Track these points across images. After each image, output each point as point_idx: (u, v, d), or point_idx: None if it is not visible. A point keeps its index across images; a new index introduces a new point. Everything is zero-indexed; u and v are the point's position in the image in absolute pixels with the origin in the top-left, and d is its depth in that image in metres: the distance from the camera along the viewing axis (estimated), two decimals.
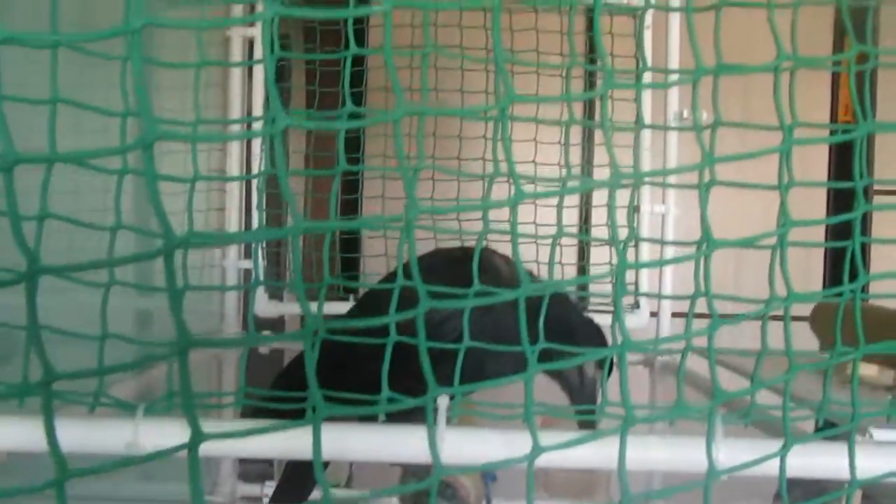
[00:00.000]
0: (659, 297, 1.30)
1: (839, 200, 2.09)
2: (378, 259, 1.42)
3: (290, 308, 1.34)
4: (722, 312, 0.40)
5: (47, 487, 0.25)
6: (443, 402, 0.53)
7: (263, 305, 1.28)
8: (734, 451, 0.44)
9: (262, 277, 1.28)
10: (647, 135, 1.33)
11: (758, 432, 0.73)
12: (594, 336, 0.81)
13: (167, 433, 0.48)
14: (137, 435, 0.48)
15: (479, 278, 0.57)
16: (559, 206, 0.60)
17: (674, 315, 1.32)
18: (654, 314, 1.34)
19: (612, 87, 0.30)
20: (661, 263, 0.43)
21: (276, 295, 1.32)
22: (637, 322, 1.33)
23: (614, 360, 0.58)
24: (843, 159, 2.09)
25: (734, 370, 1.04)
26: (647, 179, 1.27)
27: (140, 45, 0.26)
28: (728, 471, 0.39)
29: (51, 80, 0.41)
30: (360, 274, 1.53)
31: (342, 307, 1.35)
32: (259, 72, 1.25)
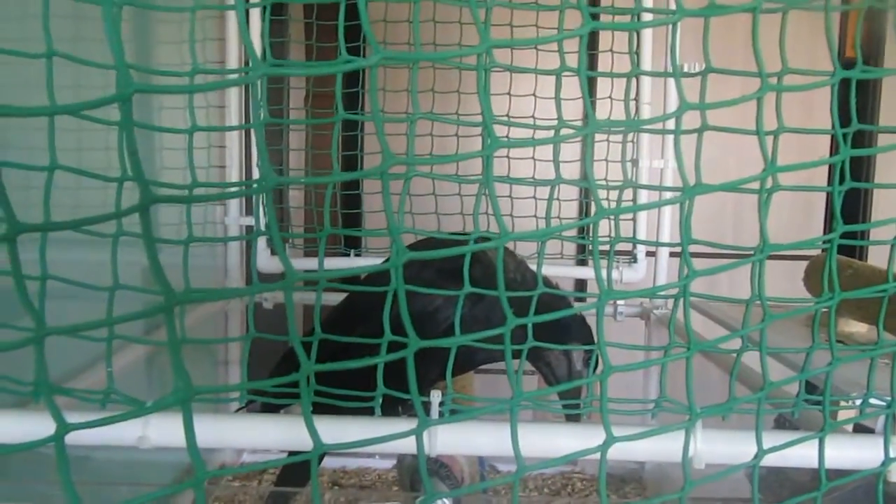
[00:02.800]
0: (658, 244, 1.31)
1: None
2: (379, 215, 1.43)
3: (293, 263, 1.36)
4: (716, 254, 0.41)
5: None
6: (435, 397, 0.55)
7: (265, 260, 1.30)
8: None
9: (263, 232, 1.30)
10: (647, 90, 1.33)
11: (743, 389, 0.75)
12: (587, 335, 0.83)
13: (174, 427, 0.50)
14: (147, 428, 0.51)
15: (472, 268, 0.56)
16: (556, 160, 0.60)
17: (672, 255, 1.33)
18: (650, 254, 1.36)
19: (613, 25, 0.30)
20: (635, 209, 0.44)
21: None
22: (635, 275, 1.35)
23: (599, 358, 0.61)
24: (845, 102, 2.04)
25: (710, 317, 1.06)
26: (644, 130, 1.27)
27: None
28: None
29: (45, 33, 0.41)
30: (362, 229, 1.55)
31: (345, 262, 1.37)
32: (256, 25, 1.24)
